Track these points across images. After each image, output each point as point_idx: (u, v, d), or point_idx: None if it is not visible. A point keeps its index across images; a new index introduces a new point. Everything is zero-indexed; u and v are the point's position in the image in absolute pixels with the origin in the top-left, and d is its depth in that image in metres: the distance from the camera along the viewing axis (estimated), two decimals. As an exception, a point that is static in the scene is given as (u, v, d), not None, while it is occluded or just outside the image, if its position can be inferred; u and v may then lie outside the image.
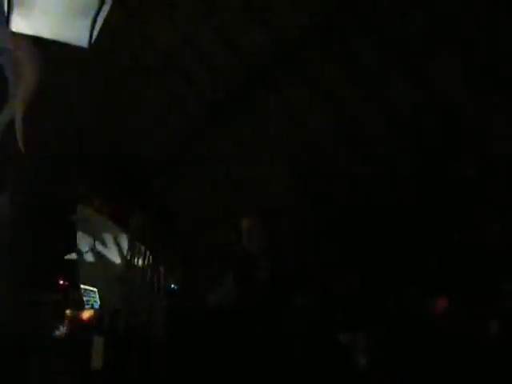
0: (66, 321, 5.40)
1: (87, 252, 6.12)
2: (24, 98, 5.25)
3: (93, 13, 4.52)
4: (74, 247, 6.10)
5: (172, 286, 6.07)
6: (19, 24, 4.42)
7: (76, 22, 4.54)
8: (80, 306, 5.90)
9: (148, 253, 6.05)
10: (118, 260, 6.22)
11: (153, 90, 5.07)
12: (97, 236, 6.26)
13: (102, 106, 5.44)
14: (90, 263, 6.22)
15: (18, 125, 5.29)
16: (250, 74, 4.28)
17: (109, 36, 4.57)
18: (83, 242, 6.16)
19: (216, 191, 5.47)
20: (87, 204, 6.20)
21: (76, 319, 5.53)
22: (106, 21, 4.42)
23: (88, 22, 4.55)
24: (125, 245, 6.20)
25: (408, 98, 3.49)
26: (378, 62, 3.49)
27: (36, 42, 4.96)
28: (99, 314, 5.78)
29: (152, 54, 4.79)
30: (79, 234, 6.10)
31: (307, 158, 4.32)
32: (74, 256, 6.12)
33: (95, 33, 4.56)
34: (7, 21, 4.24)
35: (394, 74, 3.46)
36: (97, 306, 6.09)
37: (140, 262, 6.03)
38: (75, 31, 4.56)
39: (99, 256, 6.21)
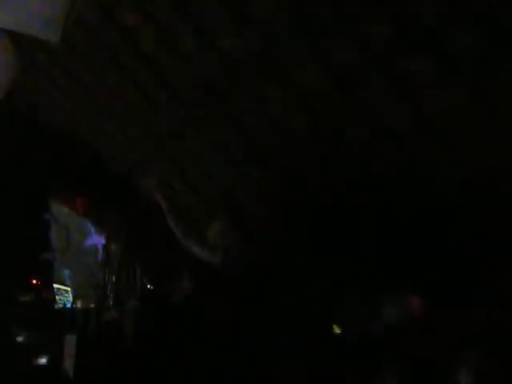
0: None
1: (61, 250, 6.07)
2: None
3: (66, 7, 4.50)
4: (47, 246, 6.05)
5: (147, 284, 6.07)
6: (-10, 18, 4.39)
7: (48, 16, 4.51)
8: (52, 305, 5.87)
9: (123, 251, 6.05)
10: (92, 258, 6.19)
11: (128, 88, 5.05)
12: (71, 234, 6.22)
13: (74, 104, 5.42)
14: (64, 262, 6.19)
15: None
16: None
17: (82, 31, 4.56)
18: (57, 240, 6.12)
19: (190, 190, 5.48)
20: (61, 202, 6.18)
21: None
22: (79, 16, 4.41)
23: (60, 17, 4.53)
24: (99, 243, 6.19)
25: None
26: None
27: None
28: (72, 313, 5.77)
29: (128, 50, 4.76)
30: (53, 233, 6.05)
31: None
32: (47, 255, 6.07)
33: (68, 27, 4.54)
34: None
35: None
36: (69, 304, 6.06)
37: (114, 260, 6.02)
38: (47, 26, 4.53)
39: (73, 254, 6.18)
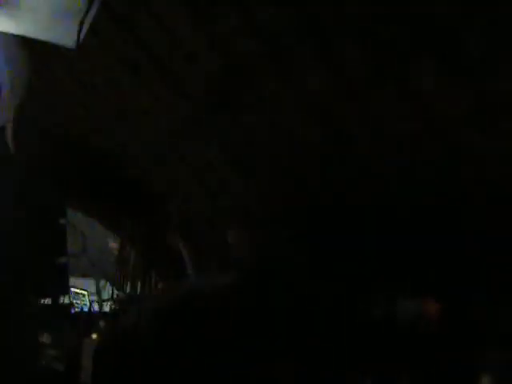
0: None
1: (77, 255, 6.14)
2: (15, 100, 5.28)
3: (81, 14, 4.56)
4: (64, 250, 6.11)
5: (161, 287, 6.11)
6: (5, 23, 4.46)
7: (63, 23, 4.57)
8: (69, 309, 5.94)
9: (138, 255, 6.09)
10: (108, 262, 6.25)
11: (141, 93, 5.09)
12: (87, 239, 6.29)
13: (89, 108, 5.48)
14: (80, 266, 6.25)
15: (9, 126, 5.32)
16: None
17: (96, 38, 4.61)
18: (73, 245, 6.18)
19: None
20: (77, 207, 6.24)
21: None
22: (93, 23, 4.45)
23: (75, 24, 4.58)
24: (115, 248, 6.24)
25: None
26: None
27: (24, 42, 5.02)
28: (89, 317, 5.83)
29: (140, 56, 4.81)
30: (68, 237, 6.12)
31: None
32: (63, 259, 6.14)
33: (82, 35, 4.60)
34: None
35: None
36: (86, 308, 6.13)
37: (131, 264, 6.07)
38: (62, 32, 4.59)
39: (89, 259, 6.24)
